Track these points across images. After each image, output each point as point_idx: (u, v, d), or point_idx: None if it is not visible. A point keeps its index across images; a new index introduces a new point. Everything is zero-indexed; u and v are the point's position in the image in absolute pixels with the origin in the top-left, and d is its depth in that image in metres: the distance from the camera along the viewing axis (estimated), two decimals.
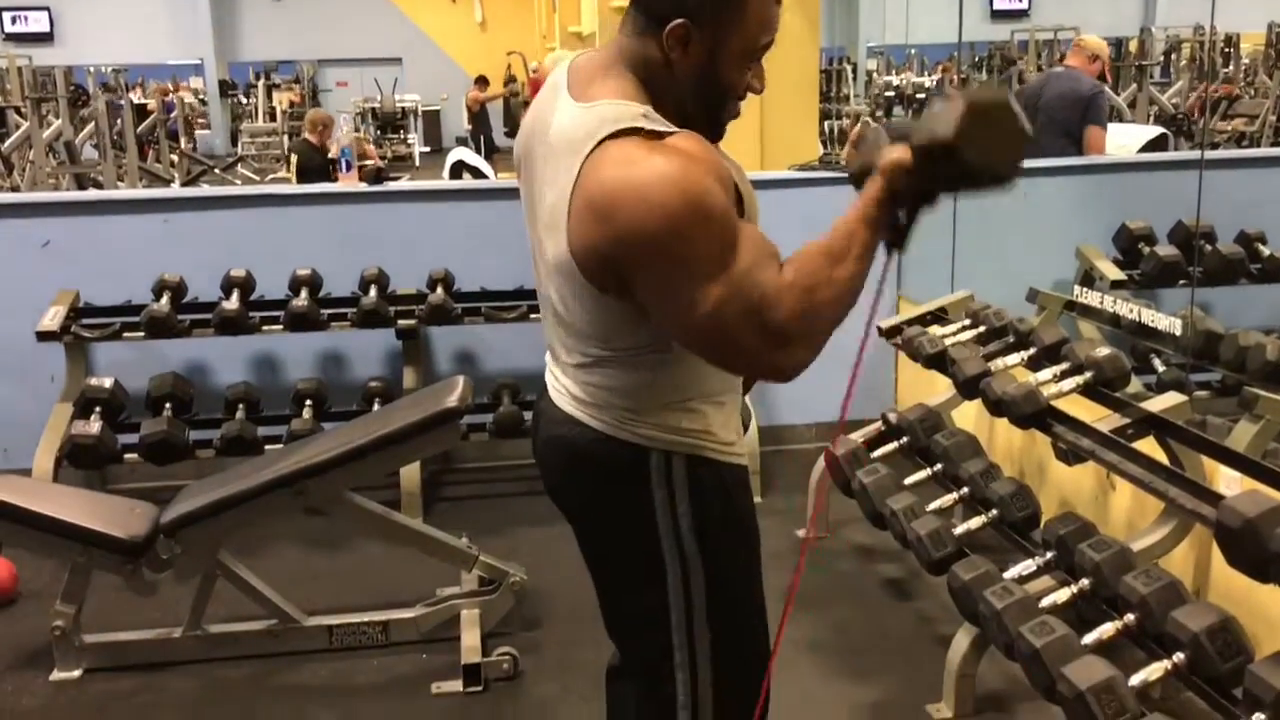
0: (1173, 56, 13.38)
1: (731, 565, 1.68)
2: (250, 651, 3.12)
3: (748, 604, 1.74)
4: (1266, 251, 4.47)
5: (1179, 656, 2.12)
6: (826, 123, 11.32)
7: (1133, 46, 12.03)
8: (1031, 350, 3.12)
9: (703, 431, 1.62)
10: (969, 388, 3.10)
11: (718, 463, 1.64)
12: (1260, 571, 2.05)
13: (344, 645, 3.14)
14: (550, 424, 1.71)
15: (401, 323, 4.26)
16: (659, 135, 1.48)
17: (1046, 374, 2.94)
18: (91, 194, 7.10)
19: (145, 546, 2.99)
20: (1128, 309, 3.48)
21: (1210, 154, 6.70)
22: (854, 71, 13.98)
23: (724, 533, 1.66)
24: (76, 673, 3.05)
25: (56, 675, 3.04)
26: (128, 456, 4.03)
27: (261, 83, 18.00)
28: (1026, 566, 2.68)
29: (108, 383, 4.08)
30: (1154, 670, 2.15)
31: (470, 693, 2.92)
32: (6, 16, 19.56)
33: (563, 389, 1.68)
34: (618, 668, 1.91)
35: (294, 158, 8.69)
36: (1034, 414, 2.83)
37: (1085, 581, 2.47)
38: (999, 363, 3.13)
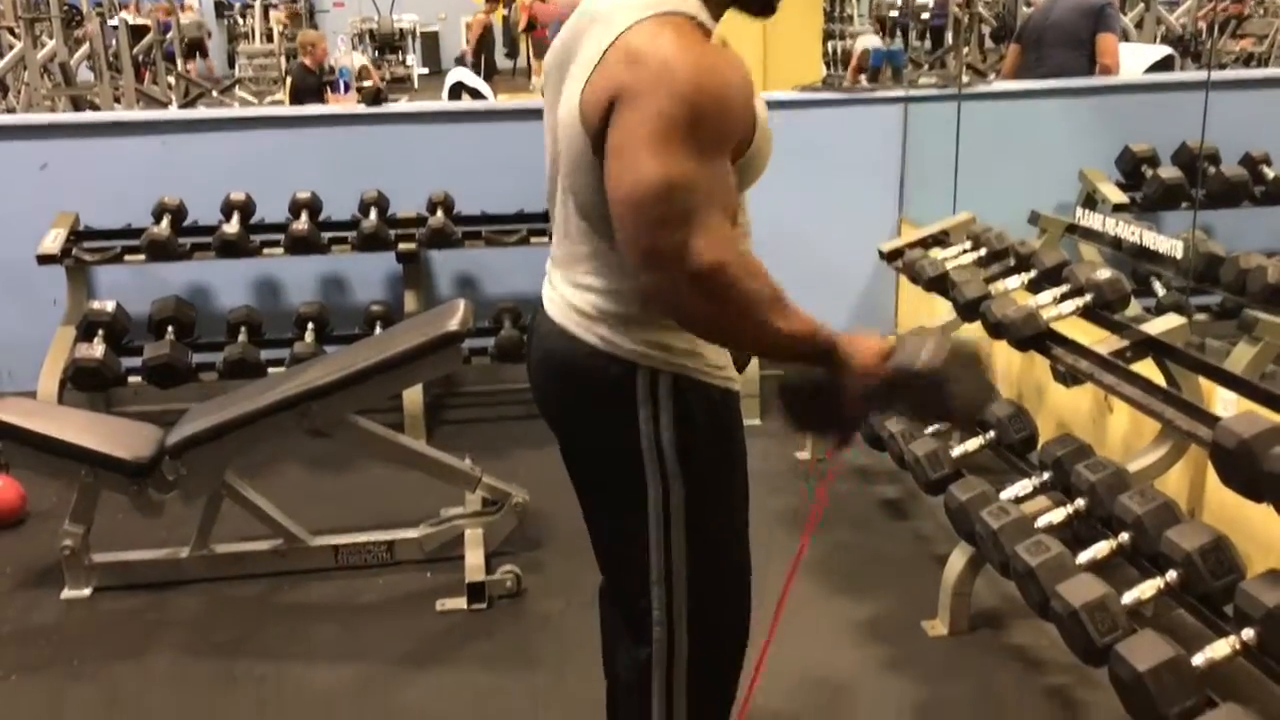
0: None
1: (713, 486, 1.69)
2: (256, 571, 3.17)
3: (728, 526, 1.76)
4: (1270, 174, 4.44)
5: (1172, 575, 2.16)
6: (830, 43, 11.17)
7: None
8: (1032, 273, 3.12)
9: (691, 352, 1.61)
10: (969, 310, 3.10)
11: (707, 384, 1.64)
12: (1254, 491, 2.07)
13: (349, 565, 3.19)
14: (542, 338, 1.72)
15: (402, 246, 4.25)
16: (708, 32, 1.51)
17: (1046, 296, 2.94)
18: (88, 116, 7.04)
19: (151, 468, 3.02)
20: (1129, 231, 3.47)
21: (1217, 74, 6.63)
22: None
23: (707, 453, 1.66)
24: (86, 591, 3.10)
25: (67, 594, 3.09)
26: (131, 379, 4.05)
27: (258, 3, 17.72)
28: (1023, 487, 2.71)
29: (110, 306, 4.09)
30: (1147, 588, 2.19)
31: (474, 610, 2.97)
32: None
33: (557, 297, 1.68)
34: (606, 587, 1.94)
35: (289, 80, 8.68)
36: (1033, 336, 2.84)
37: (1081, 502, 2.50)
38: (999, 285, 3.13)
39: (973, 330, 3.62)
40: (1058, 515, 2.52)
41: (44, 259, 4.05)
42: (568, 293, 1.66)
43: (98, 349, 3.97)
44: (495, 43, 15.74)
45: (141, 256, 4.12)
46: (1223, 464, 2.11)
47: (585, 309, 1.63)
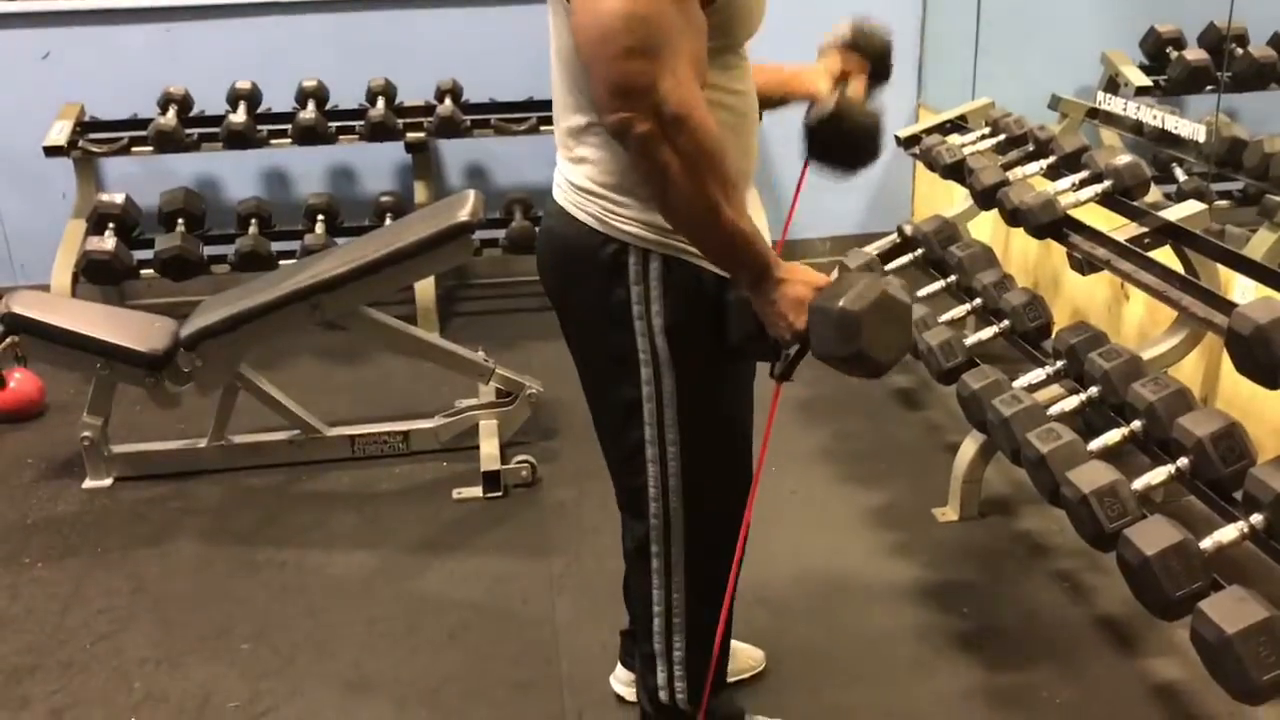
0: None
1: (704, 369, 1.70)
2: (274, 460, 3.21)
3: (719, 410, 1.77)
4: None
5: (1183, 461, 2.16)
6: None
7: None
8: (1051, 159, 3.06)
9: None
10: (986, 198, 3.06)
11: (696, 267, 1.62)
12: (1269, 378, 2.06)
13: (366, 454, 3.23)
14: (546, 217, 1.75)
15: (410, 136, 4.20)
16: None
17: (1065, 183, 2.89)
18: (90, 2, 6.90)
19: (166, 360, 3.04)
20: (1151, 115, 3.40)
21: None
22: None
23: (699, 335, 1.66)
24: (107, 481, 3.15)
25: (88, 484, 3.14)
26: (143, 272, 4.05)
27: None
28: (1036, 375, 2.70)
29: (119, 198, 4.07)
30: (1157, 474, 2.19)
31: (490, 498, 3.01)
32: None
33: (560, 180, 1.69)
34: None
35: None
36: (1050, 223, 2.80)
37: (1094, 389, 2.50)
38: (1017, 172, 3.08)
39: (985, 223, 3.58)
40: (1070, 403, 2.52)
41: (51, 150, 4.01)
42: (566, 169, 1.66)
43: (109, 241, 3.96)
44: None
45: (149, 148, 4.08)
46: (1238, 350, 2.09)
47: (581, 184, 1.62)
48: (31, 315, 3.01)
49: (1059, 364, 2.68)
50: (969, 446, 2.82)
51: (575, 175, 1.64)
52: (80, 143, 4.08)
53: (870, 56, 1.90)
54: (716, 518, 1.81)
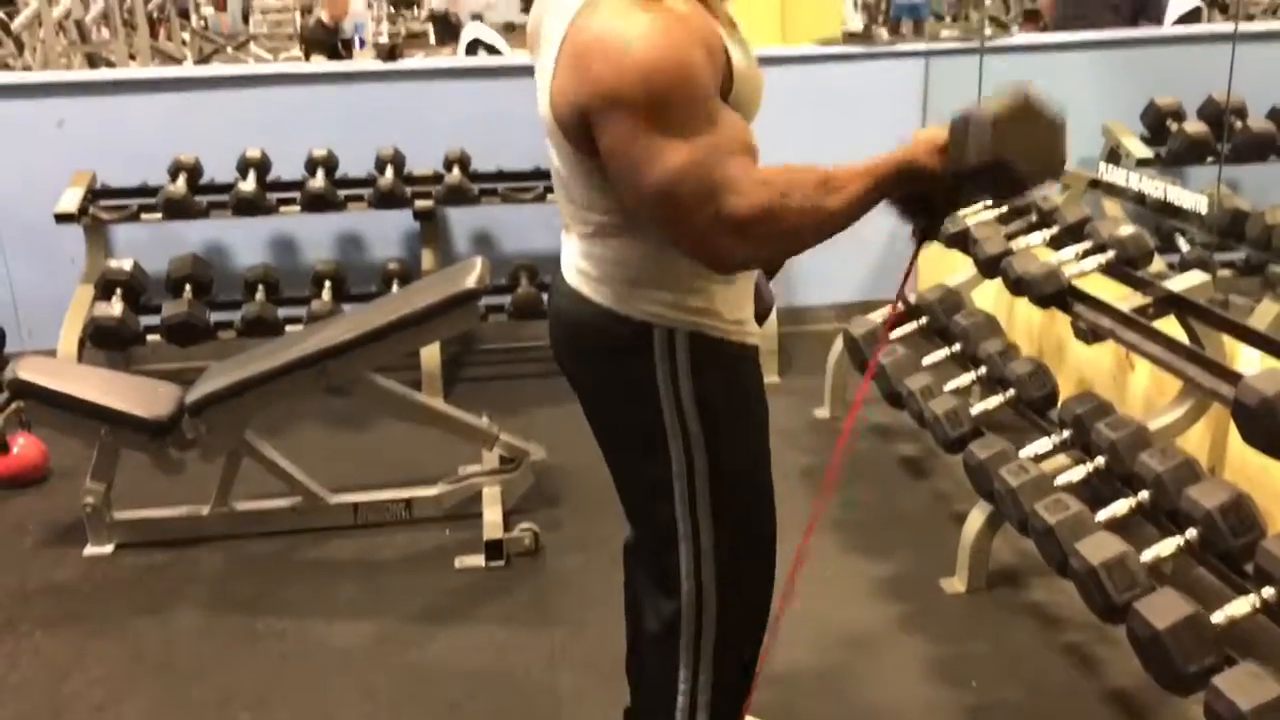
0: None
1: (735, 440, 1.69)
2: (276, 528, 3.19)
3: (751, 479, 1.76)
4: None
5: (1192, 533, 2.15)
6: None
7: None
8: (1054, 229, 3.09)
9: (707, 310, 1.61)
10: (990, 267, 3.08)
11: (724, 340, 1.64)
12: (1276, 449, 2.06)
13: (368, 522, 3.21)
14: (560, 298, 1.73)
15: (418, 204, 4.24)
16: None
17: (1068, 253, 2.91)
18: (104, 73, 7.02)
19: (171, 426, 3.04)
20: (1153, 187, 3.43)
21: (1244, 26, 6.51)
22: None
23: (727, 408, 1.66)
24: (108, 548, 3.13)
25: (89, 550, 3.12)
26: (150, 338, 4.07)
27: None
28: (1042, 445, 2.69)
29: (128, 264, 4.09)
30: (1166, 546, 2.18)
31: (492, 567, 2.99)
32: None
33: (571, 263, 1.69)
34: (632, 543, 1.95)
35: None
36: (1054, 293, 2.82)
37: (1101, 459, 2.49)
38: (1021, 242, 3.10)
39: (988, 291, 3.59)
40: (1077, 473, 2.51)
41: (62, 218, 4.05)
42: (577, 258, 1.66)
43: (116, 307, 3.98)
44: None
45: (158, 215, 4.11)
46: (1245, 422, 2.09)
47: (594, 273, 1.63)
48: (37, 381, 3.02)
49: (1065, 434, 2.67)
50: (976, 516, 2.80)
51: (586, 264, 1.64)
52: (90, 210, 4.12)
53: None
54: (748, 594, 1.79)
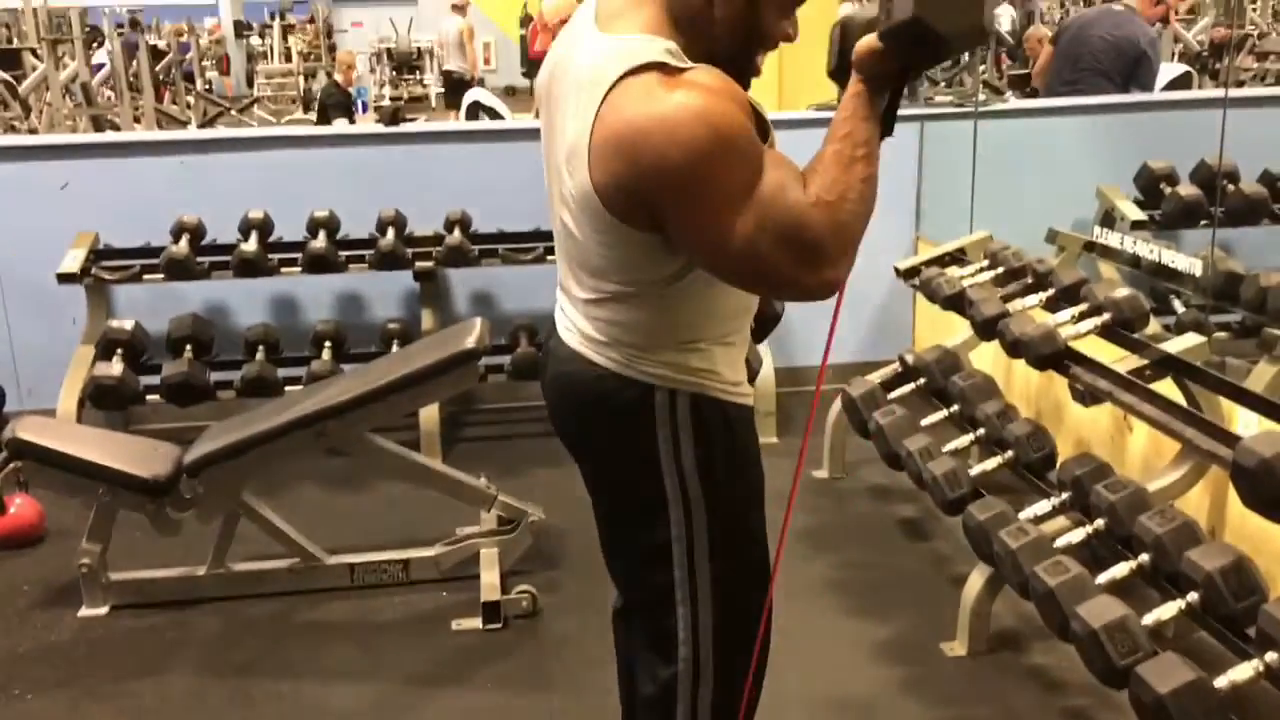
0: None
1: (734, 504, 1.69)
2: (273, 589, 3.17)
3: (749, 543, 1.75)
4: None
5: (1193, 596, 2.14)
6: None
7: None
8: (1050, 291, 3.11)
9: (709, 371, 1.62)
10: (987, 329, 3.09)
11: (723, 402, 1.64)
12: (1276, 511, 2.05)
13: (365, 583, 3.19)
14: (557, 361, 1.72)
15: (419, 264, 4.27)
16: (677, 71, 1.46)
17: (1065, 315, 2.93)
18: (109, 136, 7.11)
19: (169, 486, 3.03)
20: (1148, 249, 3.46)
21: (1234, 92, 6.61)
22: None
23: (728, 471, 1.67)
24: (104, 610, 3.10)
25: (84, 612, 3.10)
26: (149, 398, 4.07)
27: (277, 23, 17.86)
28: (1041, 507, 2.69)
29: (129, 324, 4.11)
30: (1167, 609, 2.17)
31: (490, 630, 2.97)
32: None
33: (572, 326, 1.68)
34: (622, 609, 1.93)
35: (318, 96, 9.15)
36: (1051, 355, 2.83)
37: (1100, 522, 2.48)
38: (1017, 304, 3.12)
39: (986, 353, 3.61)
40: (1077, 535, 2.50)
41: (64, 278, 4.07)
42: (580, 321, 1.66)
43: (116, 367, 3.99)
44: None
45: (160, 275, 4.14)
46: (1244, 484, 2.09)
47: (598, 336, 1.63)
48: (35, 441, 3.01)
49: (1064, 495, 2.67)
50: (976, 579, 2.79)
51: (594, 329, 1.64)
52: (93, 270, 4.14)
53: None
54: (745, 658, 1.77)
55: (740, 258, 1.47)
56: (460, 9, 13.46)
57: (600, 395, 1.65)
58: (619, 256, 1.56)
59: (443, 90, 12.65)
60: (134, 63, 10.76)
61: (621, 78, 1.46)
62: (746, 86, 1.58)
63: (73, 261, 4.11)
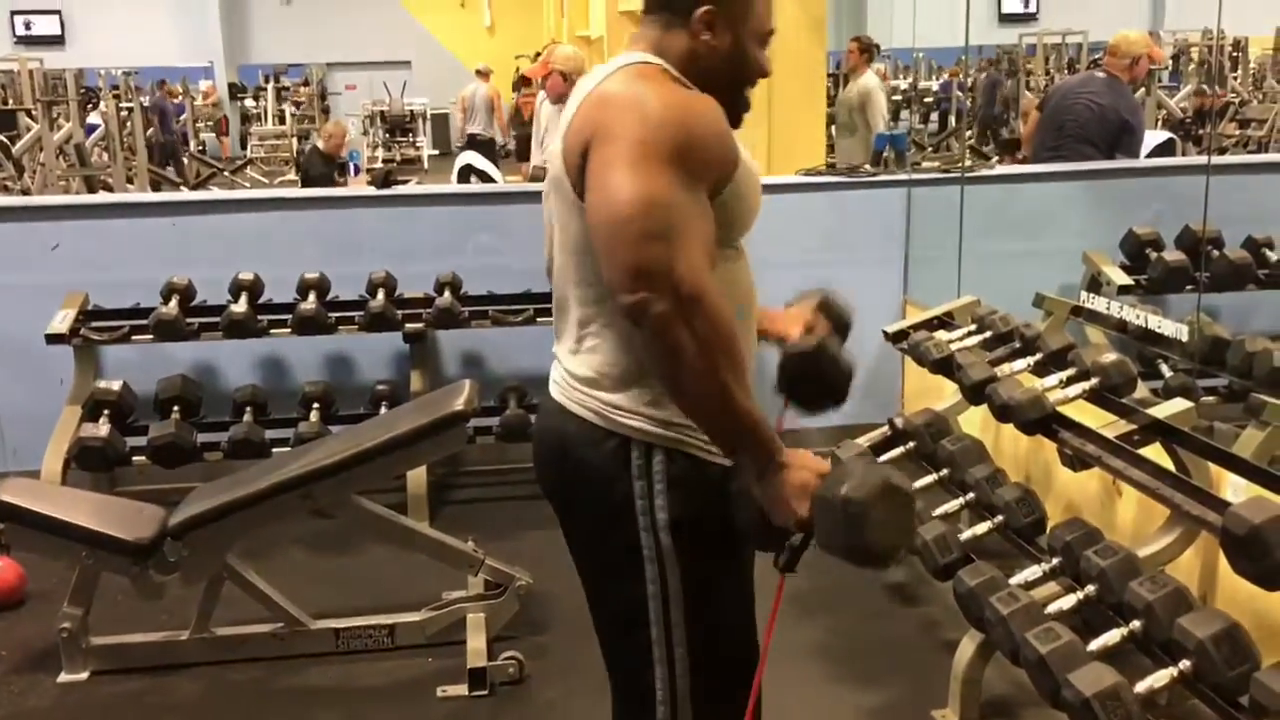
0: (1181, 60, 13.32)
1: (710, 564, 1.69)
2: (257, 654, 3.12)
3: (726, 605, 1.75)
4: (1274, 257, 4.45)
5: (1185, 664, 2.12)
6: (834, 127, 11.30)
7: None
8: (1038, 356, 3.12)
9: (686, 426, 1.62)
10: (975, 393, 3.09)
11: (700, 460, 1.64)
12: (1266, 579, 2.05)
13: (350, 648, 3.15)
14: (544, 415, 1.77)
15: (409, 326, 4.27)
16: (674, 78, 1.60)
17: (1053, 379, 2.94)
18: (100, 197, 7.15)
19: (153, 549, 3.00)
20: (1134, 315, 3.48)
21: (1217, 159, 6.70)
22: None
23: (703, 531, 1.66)
24: (84, 675, 3.06)
25: (64, 677, 3.05)
26: (136, 459, 4.05)
27: (271, 86, 18.05)
28: (1032, 573, 2.67)
29: (116, 385, 4.10)
30: (1160, 677, 2.15)
31: (476, 696, 2.92)
32: (19, 21, 19.62)
33: (559, 378, 1.72)
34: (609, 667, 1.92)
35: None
36: (1040, 419, 2.83)
37: (1091, 588, 2.47)
38: (1005, 368, 3.12)
39: (975, 416, 3.61)
40: (1068, 601, 2.49)
41: (53, 339, 4.06)
42: (568, 361, 1.69)
43: (103, 428, 3.97)
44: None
45: (149, 336, 4.13)
46: (1234, 551, 2.08)
47: (583, 374, 1.65)
48: (17, 503, 2.98)
49: (1055, 561, 2.66)
50: (968, 645, 2.76)
51: (577, 366, 1.66)
52: (82, 330, 4.13)
53: (834, 321, 1.95)
54: (725, 717, 1.76)
55: (619, 212, 1.46)
56: (485, 75, 13.87)
57: (578, 446, 1.67)
58: (588, 240, 1.57)
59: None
60: (127, 125, 10.85)
61: (617, 70, 1.59)
62: (739, 122, 1.67)
63: (61, 322, 4.10)
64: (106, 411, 4.04)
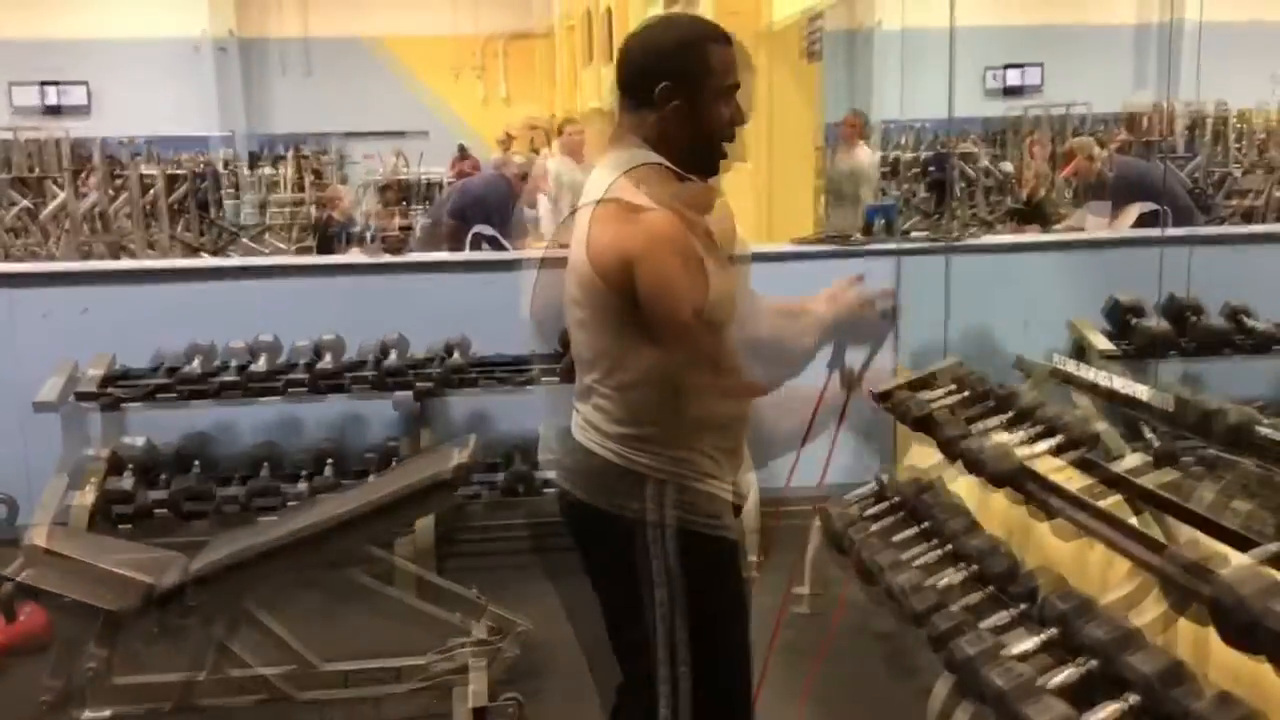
0: (1195, 131, 13.22)
1: (715, 597, 1.88)
2: (270, 694, 3.26)
3: (729, 640, 1.92)
4: (1251, 324, 4.60)
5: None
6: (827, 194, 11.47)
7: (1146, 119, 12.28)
8: (1009, 413, 3.29)
9: (690, 463, 1.86)
10: (949, 448, 3.26)
11: (708, 494, 1.87)
12: (1257, 646, 2.05)
13: (358, 689, 3.29)
14: (565, 454, 1.98)
15: (419, 386, 4.45)
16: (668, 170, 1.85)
17: (1019, 435, 3.11)
18: (126, 264, 7.40)
19: (174, 595, 3.16)
20: (1120, 384, 3.58)
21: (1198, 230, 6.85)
22: None
23: (708, 562, 1.87)
24: (107, 712, 3.19)
25: (87, 715, 3.17)
26: (158, 511, 4.22)
27: (291, 154, 18.42)
28: (1018, 635, 2.58)
29: (140, 442, 4.30)
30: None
31: None
32: (50, 91, 20.02)
33: (580, 421, 1.93)
34: (622, 686, 2.09)
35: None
36: (1007, 472, 2.98)
37: (1094, 662, 2.38)
38: (980, 425, 3.29)
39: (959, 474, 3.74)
40: (1071, 675, 2.38)
41: (81, 396, 4.25)
42: (588, 413, 1.91)
43: (127, 482, 4.16)
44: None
45: (174, 395, 4.32)
46: (1224, 621, 2.10)
47: (601, 425, 1.87)
48: (51, 548, 3.16)
49: (1051, 631, 2.53)
50: (941, 688, 2.85)
51: (596, 419, 1.89)
52: (109, 390, 4.33)
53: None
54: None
55: (686, 330, 1.79)
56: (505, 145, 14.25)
57: (597, 482, 1.90)
58: (614, 334, 1.85)
59: None
60: (150, 192, 11.15)
61: (620, 177, 1.83)
62: (717, 170, 1.93)
63: (89, 382, 4.30)
64: (130, 467, 4.23)
